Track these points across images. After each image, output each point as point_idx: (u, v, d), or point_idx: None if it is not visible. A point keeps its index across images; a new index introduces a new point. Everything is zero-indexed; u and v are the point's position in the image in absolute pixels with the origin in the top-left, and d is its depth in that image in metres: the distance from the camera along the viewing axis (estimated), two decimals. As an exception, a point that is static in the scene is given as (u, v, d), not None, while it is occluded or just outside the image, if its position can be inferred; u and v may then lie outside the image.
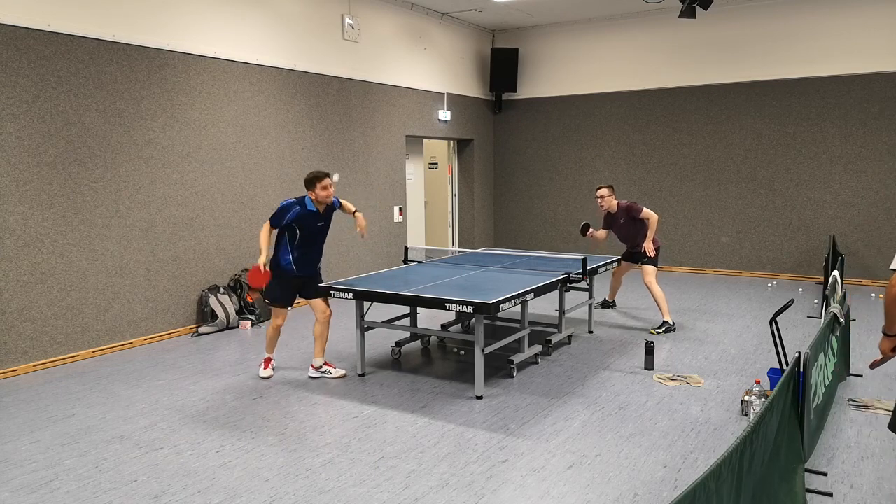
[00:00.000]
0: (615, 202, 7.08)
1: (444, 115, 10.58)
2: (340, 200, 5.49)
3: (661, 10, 10.04)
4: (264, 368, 5.47)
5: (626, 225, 7.04)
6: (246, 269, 7.44)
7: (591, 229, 7.19)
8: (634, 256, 7.14)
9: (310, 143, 8.26)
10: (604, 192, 7.07)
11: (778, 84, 9.57)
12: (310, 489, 3.56)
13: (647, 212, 6.91)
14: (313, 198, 5.18)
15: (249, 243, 7.53)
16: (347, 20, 8.62)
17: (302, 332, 6.83)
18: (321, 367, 5.40)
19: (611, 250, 9.50)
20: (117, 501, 3.46)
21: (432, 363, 5.85)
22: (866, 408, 4.60)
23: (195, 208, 6.95)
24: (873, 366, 2.99)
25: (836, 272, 5.24)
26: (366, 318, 5.44)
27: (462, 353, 6.13)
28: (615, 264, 6.83)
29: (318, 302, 5.35)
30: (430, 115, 10.36)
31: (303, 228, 5.19)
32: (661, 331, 6.75)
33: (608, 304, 7.92)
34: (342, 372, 5.41)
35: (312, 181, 5.15)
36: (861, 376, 5.28)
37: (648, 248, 6.85)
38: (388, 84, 9.44)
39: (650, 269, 6.91)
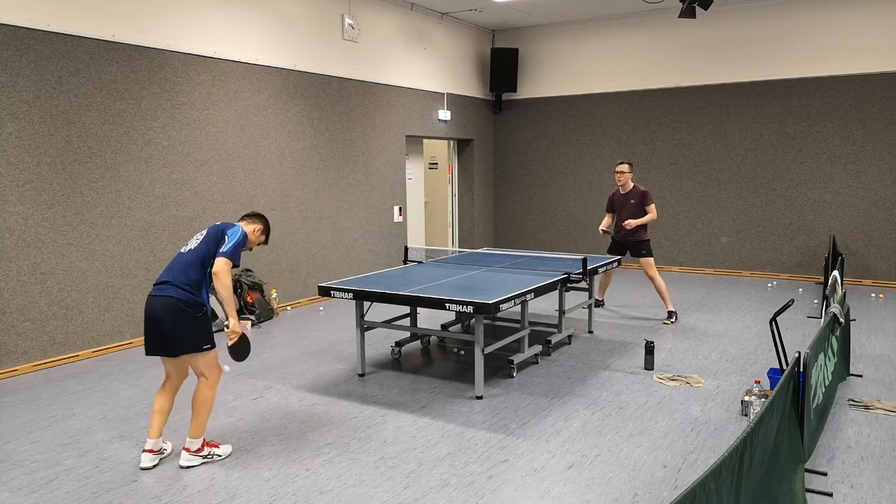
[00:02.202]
0: (631, 182, 7.18)
1: (444, 115, 10.58)
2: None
3: (661, 10, 10.04)
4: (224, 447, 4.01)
5: (635, 207, 7.13)
6: (248, 270, 7.44)
7: (603, 229, 7.38)
8: (623, 246, 7.27)
9: (310, 143, 8.26)
10: (625, 167, 7.21)
11: (778, 84, 9.57)
12: (310, 489, 3.56)
13: (654, 207, 7.16)
14: (252, 237, 4.01)
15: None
16: (347, 20, 8.62)
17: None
18: (199, 449, 3.87)
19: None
20: (117, 501, 3.46)
21: (432, 363, 5.85)
22: (866, 408, 4.60)
23: (195, 208, 6.95)
24: None
25: (836, 272, 5.24)
26: (366, 318, 5.45)
27: (462, 353, 6.13)
28: (614, 264, 6.84)
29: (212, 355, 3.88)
30: (430, 115, 10.35)
31: None
32: (672, 321, 6.98)
33: (599, 304, 7.85)
34: (229, 449, 4.00)
35: (266, 223, 4.09)
36: (861, 376, 5.28)
37: (633, 223, 7.00)
38: (388, 84, 9.44)
39: (651, 261, 7.08)
